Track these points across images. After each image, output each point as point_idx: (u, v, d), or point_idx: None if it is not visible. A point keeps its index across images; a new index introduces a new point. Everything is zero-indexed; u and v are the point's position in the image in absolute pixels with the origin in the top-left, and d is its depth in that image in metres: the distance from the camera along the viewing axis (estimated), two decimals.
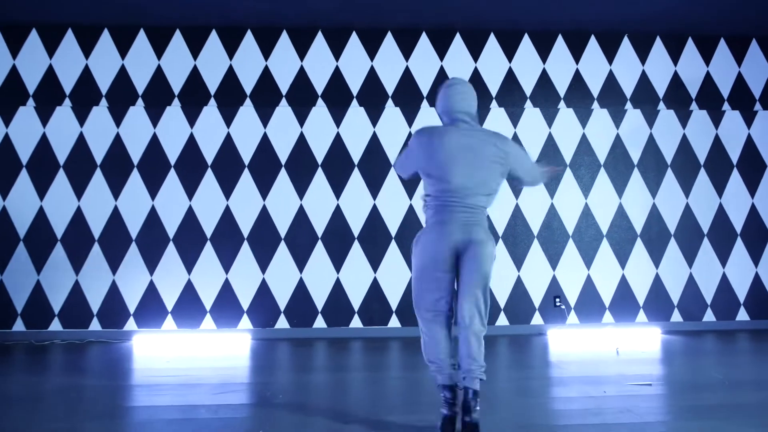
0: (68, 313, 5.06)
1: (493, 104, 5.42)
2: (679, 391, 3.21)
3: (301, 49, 5.37)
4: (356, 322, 5.19)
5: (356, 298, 5.20)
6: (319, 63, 5.37)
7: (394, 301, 5.21)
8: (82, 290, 5.08)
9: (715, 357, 4.27)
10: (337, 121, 5.33)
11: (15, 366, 4.03)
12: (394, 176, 5.30)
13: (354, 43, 5.40)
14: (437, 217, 2.47)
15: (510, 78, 5.46)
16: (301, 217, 5.23)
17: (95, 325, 5.07)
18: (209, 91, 5.29)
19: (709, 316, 5.39)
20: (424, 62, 5.42)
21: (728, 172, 5.51)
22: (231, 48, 5.34)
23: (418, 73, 5.41)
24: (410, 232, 5.25)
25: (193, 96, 5.28)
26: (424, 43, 5.44)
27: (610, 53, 5.54)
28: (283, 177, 5.25)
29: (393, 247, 5.24)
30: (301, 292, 5.17)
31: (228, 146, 5.25)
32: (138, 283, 5.11)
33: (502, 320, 5.26)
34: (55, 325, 5.04)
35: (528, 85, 5.47)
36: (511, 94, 5.45)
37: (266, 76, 5.33)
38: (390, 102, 5.37)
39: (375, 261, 5.23)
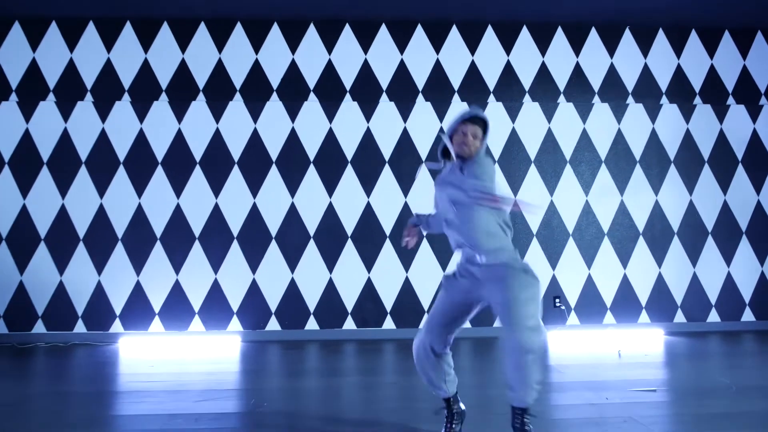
0: (52, 315, 4.90)
1: (491, 99, 5.26)
2: (684, 397, 3.05)
3: (293, 42, 5.20)
4: (349, 324, 5.03)
5: (349, 299, 5.04)
6: (311, 56, 5.20)
7: (388, 302, 5.05)
8: (66, 291, 4.92)
9: (720, 360, 4.11)
10: (330, 116, 5.17)
11: None
12: (389, 173, 5.14)
13: (347, 35, 5.24)
14: None
15: (508, 72, 5.30)
16: (293, 215, 5.07)
17: (80, 327, 4.91)
18: (197, 85, 5.13)
19: (713, 316, 5.23)
20: (419, 55, 5.26)
21: (733, 168, 5.35)
22: (220, 41, 5.17)
23: (413, 66, 5.25)
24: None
25: (181, 90, 5.11)
26: (419, 35, 5.27)
27: (611, 46, 5.38)
28: (273, 174, 5.09)
29: (387, 246, 5.08)
30: (292, 292, 5.01)
31: (217, 142, 5.09)
32: (124, 284, 4.95)
33: (497, 321, 5.08)
34: (39, 328, 4.89)
35: (527, 79, 5.31)
36: (509, 89, 5.28)
37: (256, 70, 5.16)
38: (384, 96, 5.21)
39: (369, 261, 5.07)
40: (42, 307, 4.90)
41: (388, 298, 5.05)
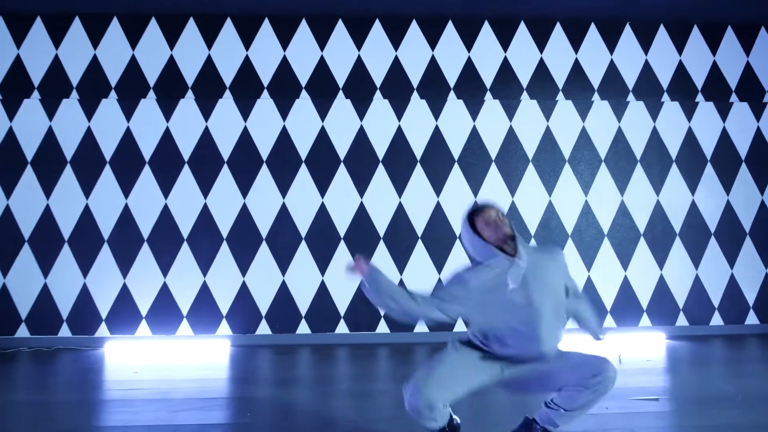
0: (36, 319, 4.76)
1: (488, 96, 5.12)
2: (686, 406, 2.91)
3: (284, 38, 5.06)
4: (342, 328, 4.89)
5: (342, 302, 4.90)
6: (303, 53, 5.06)
7: None
8: (50, 294, 4.78)
9: (724, 366, 3.97)
10: (322, 114, 5.03)
11: None
12: (383, 173, 5.00)
13: (340, 31, 5.10)
14: None
15: (505, 68, 5.16)
16: (284, 216, 4.93)
17: (65, 332, 4.77)
18: (186, 83, 4.99)
19: (716, 320, 5.09)
20: (414, 52, 5.11)
21: (736, 168, 5.20)
22: (209, 37, 5.03)
23: (407, 63, 5.10)
24: (399, 232, 4.95)
25: (169, 88, 4.97)
26: (414, 31, 5.13)
27: (611, 42, 5.24)
28: (264, 174, 4.95)
29: (381, 247, 4.94)
30: (283, 295, 4.87)
31: (206, 141, 4.95)
32: (110, 287, 4.81)
33: None
34: (22, 332, 4.75)
35: (524, 76, 5.16)
36: (506, 86, 5.14)
37: (247, 67, 5.02)
38: (378, 94, 5.07)
39: None
40: (25, 310, 4.76)
41: None
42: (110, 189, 4.88)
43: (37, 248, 4.80)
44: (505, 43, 5.18)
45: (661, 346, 4.63)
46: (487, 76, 5.14)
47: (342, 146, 5.01)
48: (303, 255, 4.90)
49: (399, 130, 5.05)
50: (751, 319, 5.10)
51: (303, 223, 4.93)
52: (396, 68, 5.10)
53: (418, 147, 5.04)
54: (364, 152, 5.01)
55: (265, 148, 4.97)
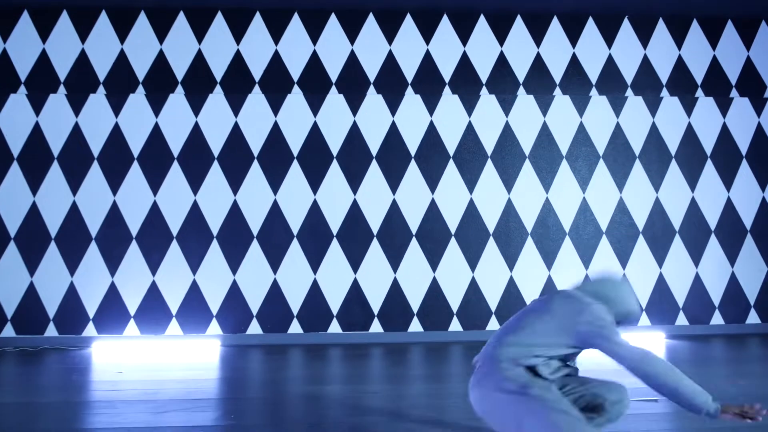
0: (22, 318, 4.66)
1: (484, 91, 5.02)
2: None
3: (276, 32, 4.97)
4: (335, 327, 4.79)
5: (335, 301, 4.81)
6: (295, 47, 4.97)
7: (375, 304, 4.82)
8: (37, 293, 4.68)
9: (724, 366, 3.87)
10: (315, 109, 4.93)
11: None
12: (376, 169, 4.91)
13: (333, 25, 5.00)
14: None
15: (501, 63, 5.06)
16: (275, 213, 4.83)
17: (51, 331, 4.67)
18: (176, 77, 4.89)
19: (717, 319, 4.99)
20: (408, 46, 5.02)
21: (737, 164, 5.11)
22: (199, 31, 4.94)
23: (402, 57, 5.01)
24: (393, 229, 4.85)
25: (159, 83, 4.88)
26: (408, 25, 5.04)
27: (609, 36, 5.14)
28: (255, 170, 4.85)
29: (375, 245, 4.84)
30: (275, 294, 4.78)
31: (196, 137, 4.85)
32: (98, 286, 4.71)
33: (494, 324, 4.86)
34: (8, 332, 4.65)
35: (521, 70, 5.07)
36: (502, 81, 5.05)
37: (238, 62, 4.93)
38: (372, 89, 4.97)
39: (355, 261, 4.83)
40: (11, 309, 4.66)
41: (376, 299, 4.82)
42: (98, 186, 4.78)
43: (23, 246, 4.70)
44: (501, 37, 5.08)
45: (660, 346, 4.53)
46: (483, 70, 5.04)
47: (335, 142, 4.91)
48: (295, 253, 4.81)
49: (393, 125, 4.95)
50: (752, 318, 5.01)
51: (295, 220, 4.83)
52: (390, 63, 5.00)
53: (413, 143, 4.94)
54: (357, 148, 4.91)
55: (256, 143, 4.87)
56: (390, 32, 5.02)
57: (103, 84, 4.86)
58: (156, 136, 4.83)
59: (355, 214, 4.86)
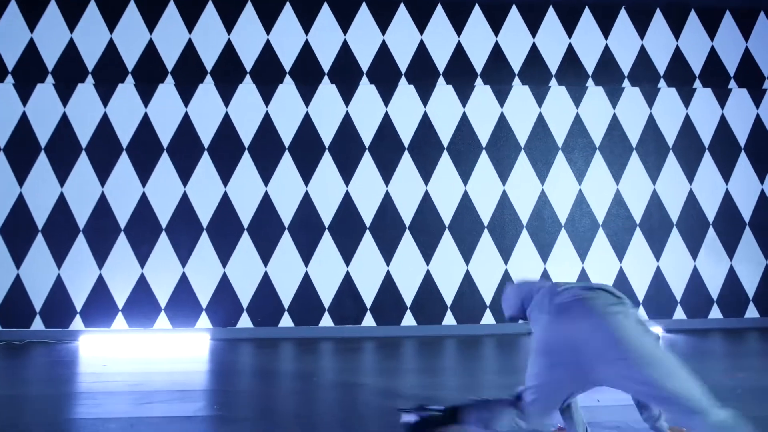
0: (7, 311, 4.57)
1: (478, 82, 4.95)
2: None
3: (268, 22, 4.89)
4: (327, 321, 4.71)
5: (327, 295, 4.72)
6: (287, 36, 4.89)
7: (368, 298, 4.74)
8: (23, 286, 4.59)
9: (723, 359, 3.80)
10: (306, 100, 4.85)
11: None
12: (369, 160, 4.83)
13: (325, 14, 4.92)
14: None
15: (497, 53, 4.99)
16: (266, 205, 4.75)
17: (38, 324, 4.59)
18: (166, 67, 4.81)
19: (715, 312, 4.91)
20: (402, 36, 4.94)
21: (735, 156, 5.04)
22: (190, 20, 4.85)
23: (395, 47, 4.93)
24: (386, 221, 4.77)
25: (148, 73, 4.79)
26: (402, 15, 4.96)
27: (605, 26, 5.07)
28: (246, 161, 4.77)
29: (367, 238, 4.76)
30: (265, 287, 4.69)
31: (186, 127, 4.77)
32: (85, 278, 4.62)
33: (488, 318, 4.78)
34: None
35: (516, 61, 5.00)
36: (497, 71, 4.97)
37: (229, 51, 4.85)
38: (365, 79, 4.90)
39: (347, 253, 4.75)
40: None
41: (368, 293, 4.73)
42: (86, 177, 4.70)
43: (9, 238, 4.61)
44: (496, 27, 5.01)
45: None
46: (478, 61, 4.97)
47: (327, 133, 4.83)
48: (286, 245, 4.72)
49: (386, 116, 4.87)
50: (751, 312, 4.93)
51: (286, 212, 4.75)
52: (383, 53, 4.93)
53: (406, 134, 4.86)
54: (349, 139, 4.83)
55: (247, 134, 4.79)
56: (383, 21, 4.94)
57: (92, 74, 4.78)
58: (145, 126, 4.75)
59: (347, 206, 4.78)
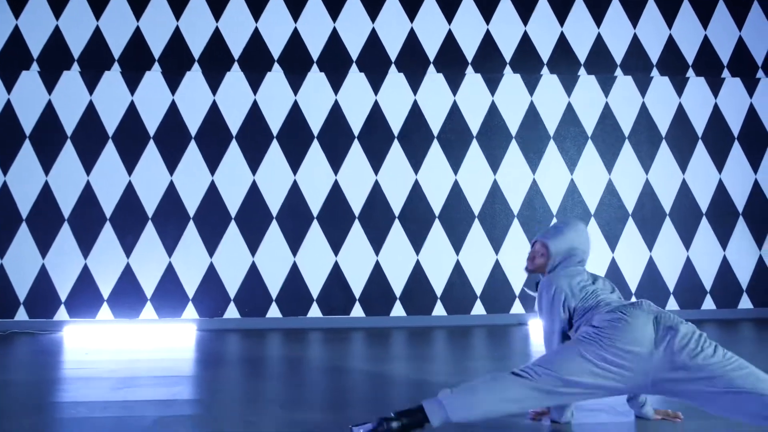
0: None
1: (469, 70, 4.89)
2: None
3: (256, 9, 4.83)
4: (315, 312, 4.65)
5: (315, 285, 4.66)
6: (276, 24, 4.83)
7: (357, 288, 4.68)
8: (7, 275, 4.53)
9: None
10: (295, 88, 4.79)
11: None
12: (358, 149, 4.77)
13: (314, 1, 4.87)
14: None
15: (488, 41, 4.93)
16: (254, 194, 4.69)
17: (22, 315, 4.52)
18: (153, 54, 4.75)
19: (708, 303, 4.86)
20: (391, 24, 4.89)
21: (729, 145, 4.99)
22: (177, 7, 4.80)
23: (385, 35, 4.88)
24: (375, 211, 4.71)
25: (135, 60, 4.74)
26: (392, 2, 4.91)
27: (598, 14, 5.02)
28: (233, 150, 4.71)
29: (356, 227, 4.71)
30: (253, 278, 4.63)
31: (173, 115, 4.71)
32: (70, 268, 4.56)
33: (479, 309, 4.72)
34: None
35: (507, 49, 4.94)
36: (489, 59, 4.92)
37: (217, 39, 4.79)
38: (354, 67, 4.84)
39: (336, 243, 4.69)
40: None
41: (357, 283, 4.68)
42: (71, 165, 4.63)
43: None
44: (487, 14, 4.96)
45: None
46: (469, 48, 4.92)
47: (316, 121, 4.77)
48: (274, 235, 4.66)
49: (376, 104, 4.82)
50: (745, 303, 4.88)
51: (274, 201, 4.69)
52: (373, 40, 4.87)
53: (396, 122, 4.81)
54: (338, 128, 4.78)
55: (234, 122, 4.73)
56: (373, 9, 4.89)
57: (78, 61, 4.72)
58: (131, 114, 4.69)
59: (336, 195, 4.72)
